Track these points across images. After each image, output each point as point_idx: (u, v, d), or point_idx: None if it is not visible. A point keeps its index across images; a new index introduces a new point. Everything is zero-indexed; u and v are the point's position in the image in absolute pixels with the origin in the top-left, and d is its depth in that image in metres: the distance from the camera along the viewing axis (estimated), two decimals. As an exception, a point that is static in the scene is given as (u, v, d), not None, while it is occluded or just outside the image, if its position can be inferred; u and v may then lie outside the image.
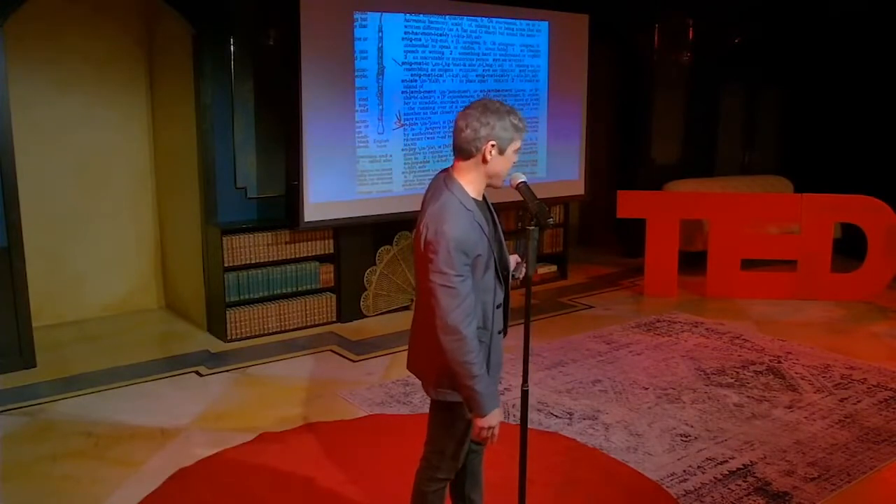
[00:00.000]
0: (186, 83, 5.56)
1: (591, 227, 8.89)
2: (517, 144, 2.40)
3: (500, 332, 2.53)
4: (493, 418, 2.37)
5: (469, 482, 2.77)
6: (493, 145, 2.35)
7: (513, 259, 2.67)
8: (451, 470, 2.61)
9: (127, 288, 6.23)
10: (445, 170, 2.48)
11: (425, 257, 2.32)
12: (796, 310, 6.45)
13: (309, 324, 5.88)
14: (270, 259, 5.69)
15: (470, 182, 2.40)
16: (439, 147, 6.10)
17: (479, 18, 6.25)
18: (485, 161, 2.37)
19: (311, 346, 5.51)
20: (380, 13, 5.69)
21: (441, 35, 6.05)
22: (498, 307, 2.49)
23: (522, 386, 2.59)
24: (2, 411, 4.31)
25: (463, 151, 2.39)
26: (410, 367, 2.62)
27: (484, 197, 2.51)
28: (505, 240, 2.59)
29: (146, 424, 4.16)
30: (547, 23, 6.72)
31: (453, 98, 6.16)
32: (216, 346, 5.47)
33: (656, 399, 4.56)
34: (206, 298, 5.73)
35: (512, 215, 6.87)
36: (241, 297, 5.60)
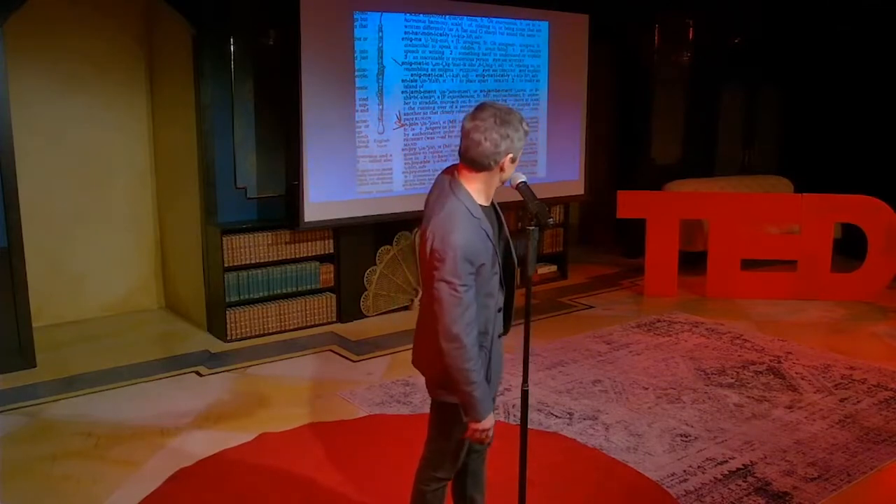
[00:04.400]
0: (186, 83, 5.56)
1: (591, 227, 8.89)
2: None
3: (500, 336, 2.54)
4: (487, 422, 2.40)
5: (470, 482, 2.77)
6: (511, 158, 2.36)
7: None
8: (450, 470, 2.61)
9: (127, 288, 6.23)
10: (450, 170, 2.46)
11: (430, 265, 2.32)
12: (796, 310, 6.45)
13: (309, 324, 5.88)
14: (270, 259, 5.69)
15: (478, 190, 2.39)
16: (439, 147, 6.10)
17: (479, 18, 6.24)
18: (502, 170, 2.38)
19: (311, 346, 5.50)
20: (380, 13, 5.69)
21: (441, 35, 6.05)
22: (499, 311, 2.50)
23: (522, 386, 2.59)
24: (2, 411, 4.31)
25: (477, 164, 2.35)
26: (415, 363, 2.63)
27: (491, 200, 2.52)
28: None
29: (146, 424, 4.16)
30: (547, 23, 6.71)
31: (453, 98, 6.16)
32: (216, 346, 5.47)
33: (656, 399, 4.56)
34: (206, 298, 5.73)
35: (512, 215, 6.86)
36: (241, 297, 5.60)
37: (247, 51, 5.56)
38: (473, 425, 2.39)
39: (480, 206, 2.39)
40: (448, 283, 2.28)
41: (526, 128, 2.39)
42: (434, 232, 2.32)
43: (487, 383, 2.47)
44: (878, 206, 6.49)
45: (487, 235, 2.37)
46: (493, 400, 2.64)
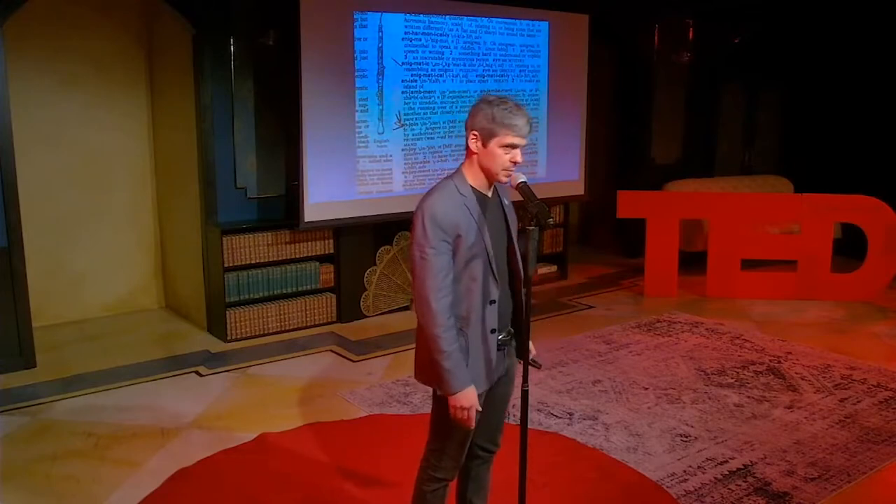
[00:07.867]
0: (186, 83, 5.56)
1: (591, 227, 8.89)
2: (505, 140, 2.34)
3: (492, 332, 2.48)
4: (464, 398, 2.37)
5: (472, 487, 2.77)
6: (474, 135, 2.39)
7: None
8: (450, 470, 2.60)
9: (127, 288, 6.23)
10: None
11: (410, 231, 2.39)
12: (796, 310, 6.45)
13: (309, 324, 5.88)
14: (270, 259, 5.69)
15: (471, 173, 2.44)
16: (439, 147, 6.10)
17: (479, 18, 6.25)
18: (470, 151, 2.42)
19: (311, 346, 5.51)
20: (380, 13, 5.69)
21: (441, 35, 6.05)
22: (491, 303, 2.46)
23: (522, 386, 2.59)
24: (2, 411, 4.31)
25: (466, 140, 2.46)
26: (417, 375, 2.60)
27: (497, 195, 2.52)
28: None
29: (146, 424, 4.16)
30: (547, 23, 6.72)
31: (453, 98, 6.16)
32: (216, 346, 5.47)
33: (656, 399, 4.56)
34: (207, 298, 5.73)
35: (512, 215, 6.87)
36: (241, 297, 5.60)
37: (247, 51, 5.56)
38: (452, 401, 2.38)
39: (477, 191, 2.42)
40: (419, 245, 2.32)
41: (498, 113, 2.32)
42: (418, 203, 2.40)
43: (484, 376, 2.46)
44: (878, 206, 6.49)
45: (471, 214, 2.37)
46: (491, 387, 2.60)
